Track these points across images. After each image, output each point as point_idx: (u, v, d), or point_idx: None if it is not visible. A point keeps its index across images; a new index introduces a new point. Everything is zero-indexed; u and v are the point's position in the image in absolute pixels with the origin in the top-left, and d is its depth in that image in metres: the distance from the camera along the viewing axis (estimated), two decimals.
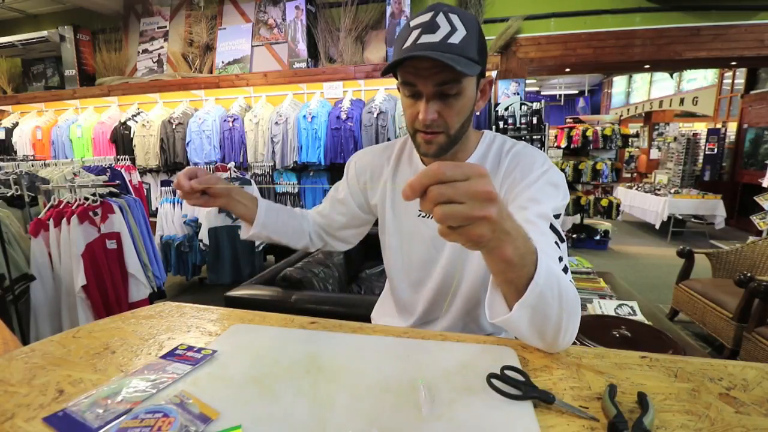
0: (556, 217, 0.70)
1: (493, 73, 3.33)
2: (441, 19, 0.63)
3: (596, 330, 1.31)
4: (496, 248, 0.46)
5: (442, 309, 0.89)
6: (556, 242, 0.66)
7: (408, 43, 0.64)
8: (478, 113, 0.74)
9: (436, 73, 0.64)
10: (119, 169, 3.12)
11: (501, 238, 0.45)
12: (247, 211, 0.83)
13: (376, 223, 0.98)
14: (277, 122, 3.37)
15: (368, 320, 1.04)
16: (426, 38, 0.62)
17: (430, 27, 0.63)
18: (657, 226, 5.35)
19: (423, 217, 0.84)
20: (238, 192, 0.82)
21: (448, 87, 0.66)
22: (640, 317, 1.72)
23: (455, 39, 0.62)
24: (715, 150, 6.37)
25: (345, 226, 0.96)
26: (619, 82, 10.56)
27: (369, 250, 2.89)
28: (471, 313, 0.86)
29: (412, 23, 0.65)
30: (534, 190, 0.71)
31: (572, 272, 1.73)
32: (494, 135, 0.83)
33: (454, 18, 0.63)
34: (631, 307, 1.81)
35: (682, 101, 7.95)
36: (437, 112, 0.68)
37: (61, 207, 1.96)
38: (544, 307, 0.53)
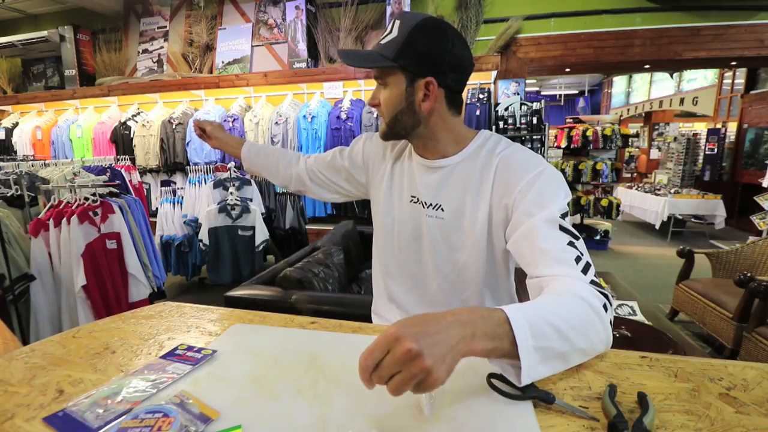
0: (563, 216, 0.69)
1: (493, 73, 3.33)
2: (390, 24, 0.76)
3: None
4: (466, 354, 0.47)
5: (430, 293, 0.89)
6: (570, 243, 0.66)
7: None
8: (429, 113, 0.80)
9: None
10: (119, 169, 3.12)
11: (459, 348, 0.45)
12: (235, 151, 1.08)
13: (369, 222, 1.01)
14: (277, 122, 3.38)
15: (368, 320, 1.04)
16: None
17: (384, 30, 0.78)
18: (657, 226, 5.35)
19: (414, 203, 0.87)
20: (230, 138, 1.10)
21: (378, 78, 0.78)
22: (640, 317, 1.73)
23: (384, 40, 0.75)
24: (715, 150, 6.37)
25: (330, 182, 1.03)
26: (619, 82, 10.56)
27: (369, 250, 2.89)
28: (467, 303, 0.86)
29: None
30: (535, 194, 0.70)
31: None
32: (489, 135, 0.83)
33: (396, 23, 0.74)
34: (631, 307, 1.82)
35: (682, 101, 7.95)
36: (376, 97, 0.80)
37: (61, 207, 1.96)
38: (551, 351, 0.52)
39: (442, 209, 0.83)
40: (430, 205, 0.84)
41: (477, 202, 0.79)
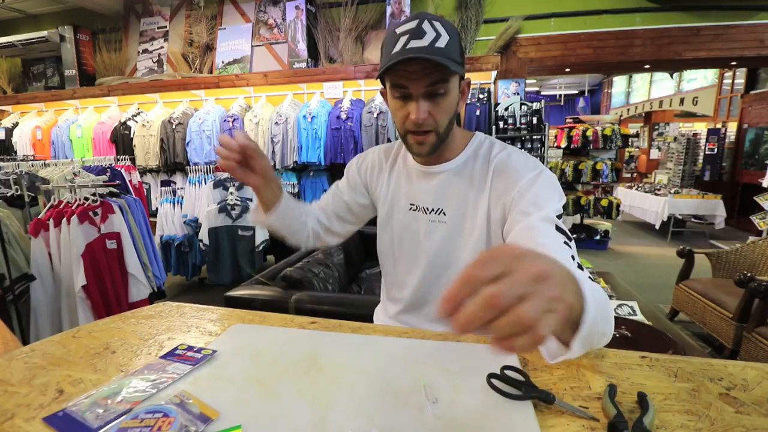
0: (558, 217, 0.71)
1: (493, 73, 3.33)
2: (426, 25, 0.67)
3: None
4: (569, 305, 0.39)
5: (430, 297, 0.89)
6: (565, 242, 0.67)
7: (397, 48, 0.68)
8: (461, 112, 0.80)
9: (427, 74, 0.68)
10: (119, 169, 3.12)
11: (569, 287, 0.38)
12: (273, 199, 0.82)
13: (373, 222, 1.00)
14: (277, 122, 3.37)
15: (368, 320, 1.04)
16: (415, 43, 0.66)
17: (417, 33, 0.67)
18: (657, 226, 5.35)
19: (414, 210, 0.87)
20: (274, 178, 0.81)
21: (437, 86, 0.70)
22: (640, 317, 1.73)
23: (441, 43, 0.67)
24: (715, 150, 6.37)
25: (342, 220, 0.98)
26: (619, 82, 10.56)
27: (369, 250, 2.90)
28: None
29: (398, 30, 0.69)
30: (533, 194, 0.72)
31: None
32: (485, 138, 0.85)
33: (438, 25, 0.68)
34: (631, 307, 1.81)
35: (682, 101, 7.95)
36: (427, 111, 0.71)
37: (61, 207, 1.96)
38: (595, 327, 0.47)
39: (444, 213, 0.83)
40: (432, 210, 0.84)
41: (476, 203, 0.80)
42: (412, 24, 0.68)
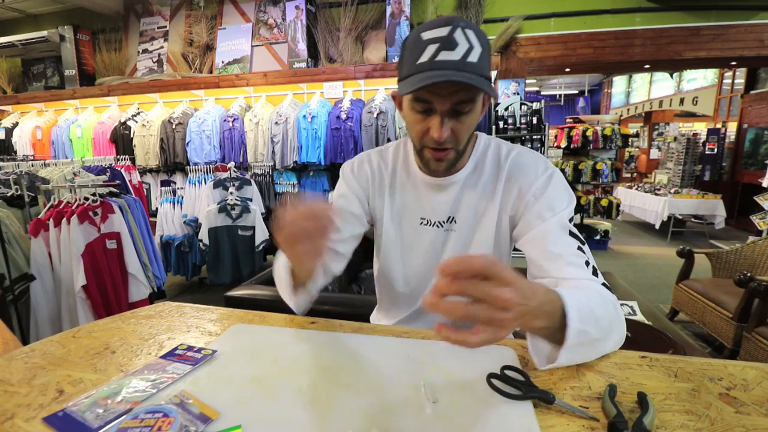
0: (571, 220, 0.72)
1: (493, 73, 3.33)
2: (459, 35, 0.60)
3: None
4: (523, 326, 0.50)
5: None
6: (579, 247, 0.68)
7: (424, 59, 0.62)
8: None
9: (456, 92, 0.63)
10: (119, 169, 3.12)
11: (525, 320, 0.48)
12: (309, 276, 0.70)
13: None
14: (277, 122, 3.37)
15: (368, 320, 1.04)
16: (445, 55, 0.60)
17: (449, 43, 0.60)
18: (657, 226, 5.35)
19: (425, 225, 0.84)
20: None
21: (464, 105, 0.65)
22: (640, 317, 1.72)
23: (473, 57, 0.61)
24: (715, 150, 6.37)
25: (355, 238, 0.88)
26: (619, 82, 10.56)
27: (369, 250, 2.89)
28: None
29: (426, 35, 0.62)
30: (548, 198, 0.72)
31: None
32: (488, 139, 0.83)
33: (471, 34, 0.61)
34: (631, 307, 1.81)
35: (682, 101, 7.95)
36: (450, 129, 0.67)
37: (61, 207, 1.96)
38: (587, 338, 0.55)
39: (455, 221, 0.82)
40: (444, 221, 0.82)
41: (486, 209, 0.80)
42: (443, 31, 0.61)
